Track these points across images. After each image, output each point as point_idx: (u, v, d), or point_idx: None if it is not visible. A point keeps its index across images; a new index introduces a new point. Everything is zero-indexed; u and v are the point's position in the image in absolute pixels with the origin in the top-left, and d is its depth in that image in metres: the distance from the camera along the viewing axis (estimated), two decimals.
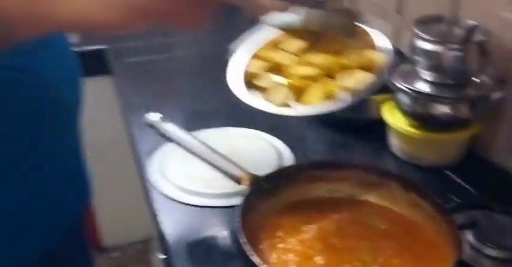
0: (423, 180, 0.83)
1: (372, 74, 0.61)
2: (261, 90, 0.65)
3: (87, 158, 0.88)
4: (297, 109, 0.61)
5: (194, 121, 1.04)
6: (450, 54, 0.81)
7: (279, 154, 0.95)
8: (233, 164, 0.70)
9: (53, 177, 0.67)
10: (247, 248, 0.53)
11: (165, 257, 0.76)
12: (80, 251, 0.83)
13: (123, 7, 0.41)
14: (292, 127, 1.07)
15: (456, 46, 0.81)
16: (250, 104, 0.63)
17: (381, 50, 0.64)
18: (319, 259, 0.57)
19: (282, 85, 0.64)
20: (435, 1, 0.97)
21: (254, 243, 0.59)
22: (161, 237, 0.77)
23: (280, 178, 0.67)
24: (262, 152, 0.95)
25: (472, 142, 0.91)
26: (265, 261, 0.55)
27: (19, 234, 0.63)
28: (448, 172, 0.86)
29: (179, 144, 0.73)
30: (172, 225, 0.77)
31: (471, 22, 0.84)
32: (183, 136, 0.73)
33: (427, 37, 0.81)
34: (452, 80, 0.83)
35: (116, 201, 1.84)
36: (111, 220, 1.88)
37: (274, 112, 0.61)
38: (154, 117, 0.78)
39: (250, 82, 0.67)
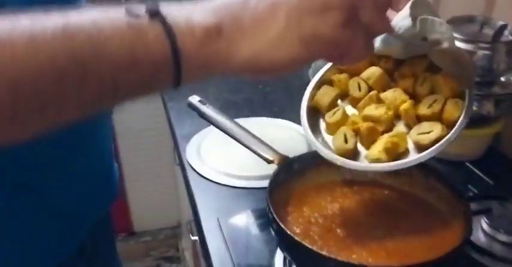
0: (445, 171, 0.87)
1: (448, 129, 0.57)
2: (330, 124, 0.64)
3: (121, 145, 0.91)
4: (357, 165, 0.60)
5: (228, 110, 1.10)
6: (479, 53, 0.85)
7: (308, 145, 1.01)
8: (266, 146, 0.76)
9: (84, 175, 0.66)
10: (274, 218, 0.59)
11: (196, 238, 0.82)
12: (107, 242, 0.84)
13: (308, 39, 0.41)
14: None
15: (485, 45, 0.84)
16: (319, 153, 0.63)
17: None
18: (339, 232, 0.63)
19: (348, 128, 0.62)
20: (471, 2, 1.01)
21: (281, 216, 0.65)
22: (196, 217, 0.83)
23: (308, 160, 0.73)
24: (293, 141, 1.01)
25: (494, 138, 0.95)
26: (291, 231, 0.61)
27: (49, 234, 0.63)
28: (468, 165, 0.90)
29: (217, 126, 0.80)
30: (207, 205, 0.84)
31: (501, 22, 0.87)
32: (221, 118, 0.80)
33: (458, 36, 0.85)
34: (480, 78, 0.87)
35: (147, 187, 1.92)
36: (142, 205, 1.95)
37: (336, 162, 0.61)
38: (194, 99, 0.84)
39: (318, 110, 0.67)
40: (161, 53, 0.38)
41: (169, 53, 0.38)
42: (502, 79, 0.90)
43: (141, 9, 0.38)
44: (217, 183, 0.89)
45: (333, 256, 0.54)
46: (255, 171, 0.90)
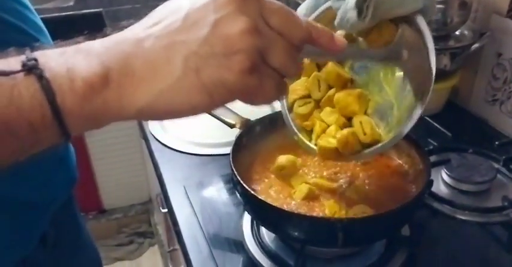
0: None
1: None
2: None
3: None
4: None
5: None
6: None
7: (272, 106, 1.00)
8: (228, 110, 0.75)
9: (37, 162, 0.64)
10: (238, 180, 0.59)
11: (166, 210, 0.81)
12: (72, 228, 0.80)
13: (210, 87, 0.35)
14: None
15: None
16: None
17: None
18: (303, 189, 0.63)
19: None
20: None
21: (246, 178, 0.65)
22: (162, 188, 0.83)
23: (271, 122, 0.73)
24: None
25: (451, 92, 0.97)
26: (255, 192, 0.62)
27: (7, 228, 0.60)
28: (427, 119, 0.92)
29: None
30: (172, 175, 0.83)
31: None
32: None
33: None
34: (435, 32, 0.88)
35: (114, 164, 1.89)
36: (110, 182, 1.93)
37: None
38: None
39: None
40: (38, 114, 0.33)
41: (49, 113, 0.33)
42: (457, 33, 0.91)
43: (16, 63, 0.34)
44: (181, 152, 0.89)
45: (296, 211, 0.54)
46: (219, 138, 0.89)
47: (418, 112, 0.52)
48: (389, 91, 0.57)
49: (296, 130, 0.62)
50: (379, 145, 0.54)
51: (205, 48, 0.34)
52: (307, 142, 0.60)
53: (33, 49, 0.35)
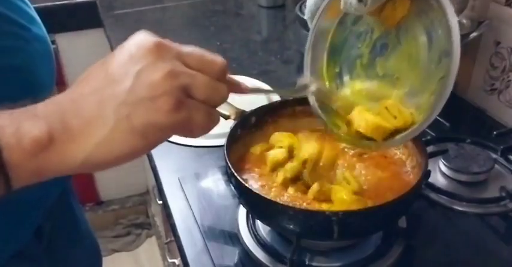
0: None
1: None
2: None
3: None
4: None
5: None
6: None
7: (268, 98, 0.99)
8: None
9: None
10: (232, 172, 0.58)
11: (161, 202, 0.81)
12: (68, 221, 0.80)
13: (143, 130, 0.38)
14: (282, 73, 1.12)
15: None
16: None
17: None
18: (298, 182, 0.63)
19: None
20: None
21: (240, 170, 0.64)
22: (157, 179, 0.81)
23: (265, 112, 0.72)
24: (252, 95, 0.99)
25: None
26: (249, 184, 0.61)
27: (4, 216, 0.60)
28: None
29: None
30: (167, 167, 0.82)
31: None
32: None
33: None
34: None
35: None
36: (107, 174, 1.91)
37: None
38: None
39: None
40: None
41: None
42: None
43: None
44: (176, 144, 0.87)
45: (291, 205, 0.54)
46: (214, 129, 0.88)
47: (448, 90, 0.52)
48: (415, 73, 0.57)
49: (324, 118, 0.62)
50: (414, 127, 0.54)
51: (132, 96, 0.38)
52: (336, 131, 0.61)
53: None
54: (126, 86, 0.38)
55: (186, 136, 0.42)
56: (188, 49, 0.41)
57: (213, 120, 0.42)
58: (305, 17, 0.64)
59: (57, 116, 0.38)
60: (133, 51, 0.39)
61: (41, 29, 0.65)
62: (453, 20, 0.51)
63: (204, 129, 0.42)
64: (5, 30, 0.58)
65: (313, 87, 0.62)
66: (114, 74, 0.39)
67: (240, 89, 0.48)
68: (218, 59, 0.42)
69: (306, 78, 0.64)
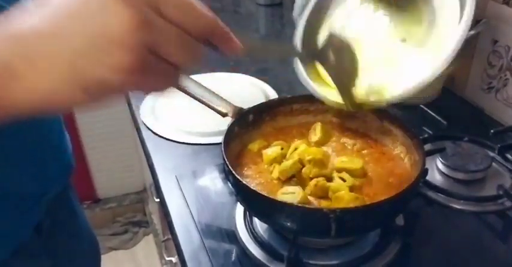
0: (399, 115, 0.87)
1: None
2: None
3: (80, 114, 0.86)
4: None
5: None
6: None
7: (266, 95, 0.99)
8: (219, 99, 0.73)
9: (32, 150, 0.62)
10: (230, 170, 0.58)
11: (158, 200, 0.80)
12: (68, 217, 0.79)
13: (88, 86, 0.33)
14: (279, 71, 1.11)
15: None
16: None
17: None
18: (296, 179, 0.63)
19: None
20: None
21: (237, 168, 0.64)
22: (154, 177, 0.81)
23: (262, 110, 0.72)
24: (250, 93, 0.99)
25: (447, 80, 0.96)
26: (247, 182, 0.61)
27: (6, 212, 0.60)
28: (423, 107, 0.91)
29: None
30: (164, 164, 0.82)
31: None
32: None
33: None
34: None
35: (108, 153, 1.88)
36: (104, 172, 1.92)
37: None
38: None
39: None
40: None
41: None
42: None
43: None
44: (173, 141, 0.87)
45: (289, 202, 0.53)
46: (212, 127, 0.88)
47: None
48: None
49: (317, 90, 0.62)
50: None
51: (87, 44, 0.32)
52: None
53: None
54: (83, 29, 0.32)
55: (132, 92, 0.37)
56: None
57: (170, 83, 0.36)
58: (293, 15, 0.64)
59: (9, 46, 0.33)
60: None
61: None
62: None
63: (156, 91, 0.36)
64: None
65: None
66: (75, 11, 0.32)
67: (229, 47, 0.39)
68: (206, 14, 0.35)
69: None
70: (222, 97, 0.73)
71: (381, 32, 0.61)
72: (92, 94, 0.34)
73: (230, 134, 0.65)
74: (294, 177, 0.62)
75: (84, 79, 0.33)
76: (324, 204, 0.58)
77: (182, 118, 0.92)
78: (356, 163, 0.62)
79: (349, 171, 0.61)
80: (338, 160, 0.63)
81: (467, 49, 0.92)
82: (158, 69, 0.34)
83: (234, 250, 0.65)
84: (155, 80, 0.35)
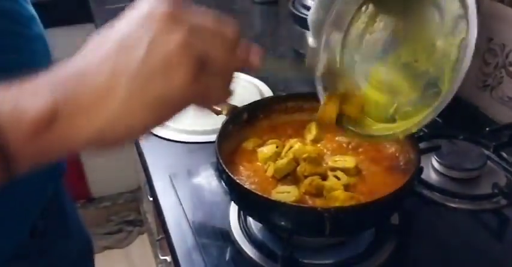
0: None
1: None
2: None
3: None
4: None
5: None
6: None
7: (261, 93, 0.99)
8: None
9: None
10: (224, 169, 0.58)
11: (151, 199, 0.80)
12: (61, 217, 0.78)
13: (157, 104, 0.35)
14: (275, 69, 1.11)
15: None
16: None
17: None
18: (290, 178, 0.62)
19: None
20: None
21: (231, 167, 0.64)
22: (147, 176, 0.80)
23: (257, 108, 0.71)
24: (244, 90, 0.99)
25: None
26: (241, 181, 0.60)
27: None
28: None
29: None
30: (157, 163, 0.81)
31: None
32: None
33: None
34: None
35: (103, 152, 1.87)
36: (98, 170, 1.91)
37: None
38: None
39: None
40: None
41: None
42: None
43: None
44: (167, 140, 0.86)
45: (283, 201, 0.53)
46: (206, 125, 0.87)
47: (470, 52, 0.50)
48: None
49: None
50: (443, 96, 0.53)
51: (146, 67, 0.35)
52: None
53: None
54: (139, 56, 0.35)
55: (198, 107, 0.40)
56: (201, 16, 0.38)
57: (229, 91, 0.40)
58: (309, 36, 0.64)
59: (62, 89, 0.34)
60: (145, 16, 0.35)
61: (39, 26, 0.64)
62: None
63: (220, 100, 0.40)
64: (7, 29, 0.57)
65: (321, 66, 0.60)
66: (125, 42, 0.35)
67: (249, 62, 0.42)
68: (231, 27, 0.39)
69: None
70: None
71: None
72: (161, 112, 0.36)
73: (224, 133, 0.65)
74: (289, 175, 0.62)
75: (150, 99, 0.35)
76: (318, 203, 0.58)
77: (176, 116, 0.91)
78: (349, 162, 0.62)
79: (343, 170, 0.61)
80: (331, 159, 0.63)
81: None
82: (215, 77, 0.37)
83: (228, 250, 0.64)
84: (216, 88, 0.38)
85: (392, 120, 0.59)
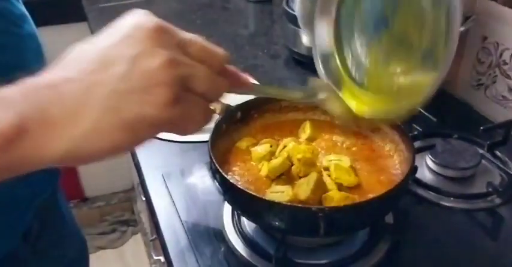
0: None
1: None
2: None
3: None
4: None
5: None
6: None
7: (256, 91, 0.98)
8: None
9: None
10: (217, 168, 0.57)
11: (144, 199, 0.79)
12: (56, 221, 0.78)
13: (132, 124, 0.34)
14: (269, 68, 1.10)
15: None
16: None
17: None
18: (284, 177, 0.62)
19: None
20: None
21: (225, 166, 0.63)
22: (140, 176, 0.79)
23: (251, 107, 0.70)
24: None
25: None
26: (234, 180, 0.60)
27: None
28: None
29: None
30: (150, 163, 0.80)
31: None
32: None
33: None
34: None
35: None
36: (92, 170, 1.90)
37: None
38: None
39: None
40: None
41: None
42: None
43: None
44: (160, 139, 0.86)
45: (277, 201, 0.52)
46: None
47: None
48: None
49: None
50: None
51: (124, 84, 0.33)
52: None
53: None
54: (119, 72, 0.33)
55: (176, 133, 0.38)
56: (190, 36, 0.37)
57: (209, 116, 0.39)
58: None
59: (32, 103, 0.33)
60: (131, 32, 0.34)
61: (31, 25, 0.64)
62: None
63: (198, 126, 0.38)
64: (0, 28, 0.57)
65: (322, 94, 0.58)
66: (105, 56, 0.34)
67: (239, 83, 0.42)
68: (220, 51, 0.38)
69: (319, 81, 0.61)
70: None
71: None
72: (138, 132, 0.35)
73: (217, 132, 0.64)
74: (283, 175, 0.61)
75: (127, 119, 0.34)
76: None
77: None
78: (344, 162, 0.61)
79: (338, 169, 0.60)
80: (326, 159, 0.62)
81: (457, 46, 0.92)
82: (194, 102, 0.36)
83: (222, 250, 0.64)
84: (195, 113, 0.37)
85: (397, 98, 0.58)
